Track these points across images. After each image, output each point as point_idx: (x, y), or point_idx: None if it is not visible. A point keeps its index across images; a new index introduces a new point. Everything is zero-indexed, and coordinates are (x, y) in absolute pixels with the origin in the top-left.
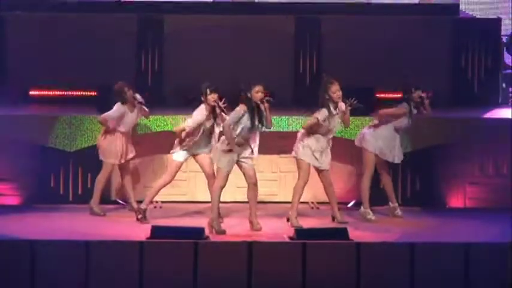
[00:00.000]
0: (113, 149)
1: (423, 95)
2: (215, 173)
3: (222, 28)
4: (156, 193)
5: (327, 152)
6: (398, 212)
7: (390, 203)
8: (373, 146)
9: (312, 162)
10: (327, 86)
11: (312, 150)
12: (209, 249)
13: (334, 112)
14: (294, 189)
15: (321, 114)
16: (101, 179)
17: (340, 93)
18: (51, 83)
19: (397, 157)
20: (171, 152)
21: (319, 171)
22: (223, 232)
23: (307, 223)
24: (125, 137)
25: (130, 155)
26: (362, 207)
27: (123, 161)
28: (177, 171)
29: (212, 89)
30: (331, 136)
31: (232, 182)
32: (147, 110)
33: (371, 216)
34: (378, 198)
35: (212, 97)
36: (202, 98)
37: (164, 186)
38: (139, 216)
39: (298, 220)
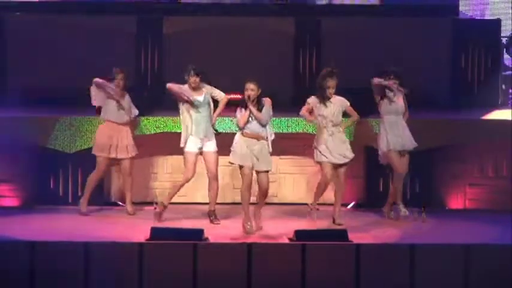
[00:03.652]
0: (104, 141)
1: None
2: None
3: (222, 29)
4: (177, 191)
5: (337, 146)
6: (392, 214)
7: (384, 207)
8: (385, 145)
9: (323, 159)
10: (325, 78)
11: (319, 146)
12: (208, 250)
13: (327, 102)
14: (316, 189)
15: (311, 99)
16: (92, 177)
17: (332, 90)
18: (51, 84)
19: (407, 143)
20: (182, 146)
21: (334, 167)
22: (252, 232)
23: (306, 224)
24: (120, 132)
25: (130, 154)
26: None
27: (114, 156)
28: (194, 166)
29: (196, 71)
30: (333, 127)
31: (231, 184)
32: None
33: (404, 211)
34: (377, 198)
35: (194, 80)
36: (185, 77)
37: (185, 183)
38: (156, 211)
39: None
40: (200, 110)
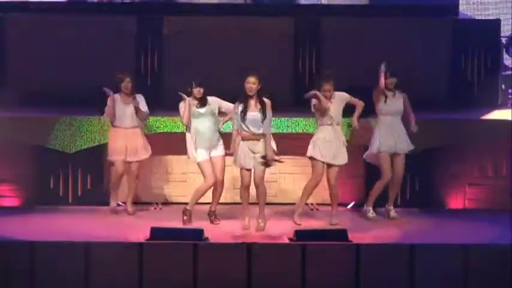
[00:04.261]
0: (116, 146)
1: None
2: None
3: (222, 29)
4: (200, 196)
5: (335, 147)
6: (393, 213)
7: (387, 205)
8: (376, 146)
9: (317, 155)
10: (321, 83)
11: (317, 141)
12: (208, 250)
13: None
14: (304, 188)
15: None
16: (111, 181)
17: (329, 93)
18: (51, 84)
19: (401, 146)
20: (191, 157)
21: (327, 167)
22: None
23: (306, 224)
24: (131, 135)
25: (141, 156)
26: (365, 205)
27: (128, 159)
28: (211, 170)
29: (199, 82)
30: (335, 125)
31: (231, 184)
32: (143, 110)
33: (371, 214)
34: (377, 198)
35: (198, 90)
36: (188, 90)
37: (208, 189)
38: (185, 218)
39: (299, 219)
40: (203, 121)
